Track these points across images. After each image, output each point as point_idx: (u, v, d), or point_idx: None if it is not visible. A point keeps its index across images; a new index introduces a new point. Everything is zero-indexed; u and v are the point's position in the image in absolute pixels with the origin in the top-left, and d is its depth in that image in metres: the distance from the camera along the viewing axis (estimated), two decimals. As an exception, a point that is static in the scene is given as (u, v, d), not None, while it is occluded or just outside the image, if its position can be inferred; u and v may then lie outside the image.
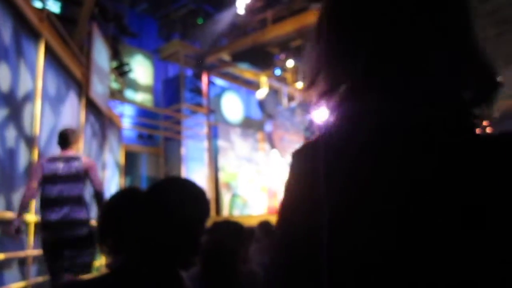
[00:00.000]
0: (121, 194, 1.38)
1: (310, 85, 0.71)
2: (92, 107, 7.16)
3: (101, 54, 7.59)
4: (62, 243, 3.64)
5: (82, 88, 6.65)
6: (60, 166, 3.74)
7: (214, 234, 2.47)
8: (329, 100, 0.69)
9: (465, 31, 0.65)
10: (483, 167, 0.58)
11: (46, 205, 3.68)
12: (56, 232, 3.63)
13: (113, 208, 1.30)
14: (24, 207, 3.63)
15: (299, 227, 0.65)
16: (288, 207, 0.69)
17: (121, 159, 9.77)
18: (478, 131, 0.66)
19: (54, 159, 3.79)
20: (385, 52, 0.64)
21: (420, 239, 0.56)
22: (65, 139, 3.90)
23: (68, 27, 6.36)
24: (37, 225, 4.23)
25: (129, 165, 11.16)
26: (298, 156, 0.70)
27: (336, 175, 0.62)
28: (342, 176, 0.62)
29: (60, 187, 3.69)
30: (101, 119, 7.88)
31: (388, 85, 0.65)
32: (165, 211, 1.22)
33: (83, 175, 3.79)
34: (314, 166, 0.64)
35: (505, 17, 14.71)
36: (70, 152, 3.86)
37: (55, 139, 4.06)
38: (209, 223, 2.70)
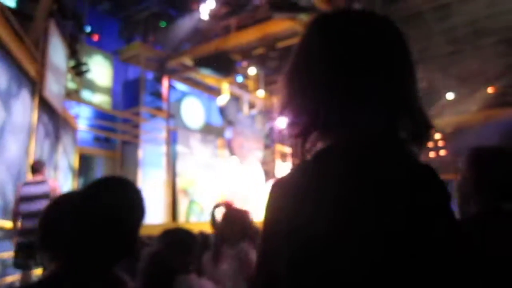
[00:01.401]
0: (56, 202, 1.32)
1: (280, 113, 0.86)
2: (46, 106, 6.90)
3: (57, 52, 7.36)
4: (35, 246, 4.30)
5: (36, 86, 6.41)
6: (32, 189, 4.95)
7: (159, 243, 2.42)
8: (293, 130, 0.83)
9: (406, 85, 0.83)
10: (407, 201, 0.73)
11: (25, 217, 4.85)
12: (33, 237, 4.41)
13: (47, 216, 1.24)
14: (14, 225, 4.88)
15: (268, 252, 0.77)
16: (263, 234, 0.79)
17: (75, 161, 9.47)
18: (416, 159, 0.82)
19: (28, 183, 5.07)
20: (339, 101, 0.78)
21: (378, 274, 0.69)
22: (34, 168, 5.21)
23: (24, 23, 6.12)
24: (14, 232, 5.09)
25: (84, 168, 10.83)
26: (274, 189, 0.80)
27: (307, 210, 0.73)
28: (313, 211, 0.73)
29: (36, 203, 4.77)
30: (55, 119, 7.61)
31: (343, 126, 0.79)
32: (95, 213, 1.17)
33: (50, 194, 4.87)
34: (284, 202, 0.76)
35: (460, 37, 15.38)
36: (39, 177, 5.11)
37: (6, 136, 4.79)
38: (160, 230, 2.64)
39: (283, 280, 0.71)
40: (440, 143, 18.32)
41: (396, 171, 0.76)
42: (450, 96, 17.23)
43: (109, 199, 1.21)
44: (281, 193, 0.78)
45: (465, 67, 16.55)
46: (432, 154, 18.24)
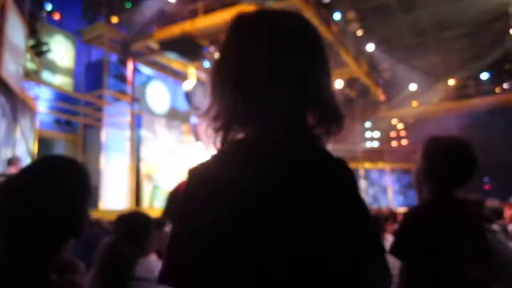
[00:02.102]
0: (2, 184, 1.27)
1: (206, 112, 0.92)
2: (2, 86, 6.62)
3: (15, 30, 7.05)
4: None
5: (-9, 65, 6.13)
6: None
7: (115, 231, 2.37)
8: (215, 124, 0.90)
9: (316, 79, 0.89)
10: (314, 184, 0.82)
11: None
12: None
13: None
14: None
15: (183, 232, 0.82)
16: (178, 215, 0.84)
17: (34, 145, 9.17)
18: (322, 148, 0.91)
19: (1, 175, 5.52)
20: (247, 98, 0.86)
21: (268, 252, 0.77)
22: (9, 161, 5.99)
23: (-21, -2, 5.83)
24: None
25: (44, 152, 10.50)
26: (190, 175, 0.86)
27: (216, 198, 0.80)
28: (221, 199, 0.79)
29: None
30: (13, 100, 7.32)
31: (251, 120, 0.87)
32: (33, 193, 1.13)
33: None
34: (197, 189, 0.83)
35: (424, 29, 15.72)
36: (12, 170, 5.68)
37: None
38: (114, 216, 2.58)
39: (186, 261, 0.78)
40: (402, 133, 18.80)
41: (301, 162, 0.84)
42: (413, 87, 17.64)
43: (47, 178, 1.16)
44: (195, 180, 0.85)
45: (428, 59, 16.96)
46: (394, 144, 18.71)
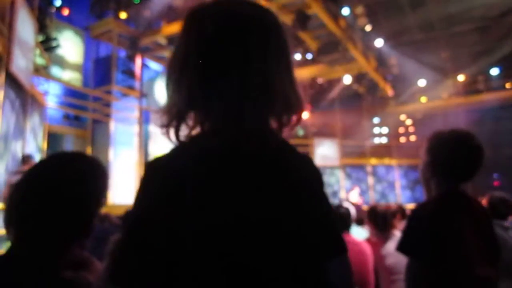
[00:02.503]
0: (20, 180, 1.26)
1: (167, 110, 0.90)
2: (12, 82, 6.67)
3: (25, 26, 7.09)
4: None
5: (2, 61, 6.17)
6: (17, 177, 5.94)
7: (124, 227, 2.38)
8: (167, 118, 0.89)
9: (277, 71, 0.87)
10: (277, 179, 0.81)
11: None
12: None
13: (9, 195, 1.19)
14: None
15: (137, 228, 0.80)
16: (134, 208, 0.82)
17: (43, 140, 9.24)
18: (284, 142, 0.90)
19: (17, 172, 6.08)
20: (199, 91, 0.85)
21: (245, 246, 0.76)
22: (22, 159, 6.57)
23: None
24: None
25: (53, 147, 10.58)
26: (148, 168, 0.84)
27: (169, 190, 0.78)
28: (174, 192, 0.78)
29: None
30: (23, 96, 7.38)
31: (205, 114, 0.87)
32: (50, 190, 1.13)
33: None
34: (156, 182, 0.81)
35: (433, 24, 15.59)
36: (26, 167, 5.62)
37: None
38: (123, 211, 2.59)
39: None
40: (411, 129, 18.69)
41: (256, 156, 0.82)
42: (421, 82, 17.51)
43: (59, 174, 1.16)
44: (150, 173, 0.83)
45: (437, 54, 16.83)
46: (402, 140, 18.61)
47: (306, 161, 0.91)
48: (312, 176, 0.90)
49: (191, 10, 0.94)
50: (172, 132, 0.90)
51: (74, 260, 1.26)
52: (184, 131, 0.89)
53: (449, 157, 1.72)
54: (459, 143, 1.72)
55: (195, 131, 0.89)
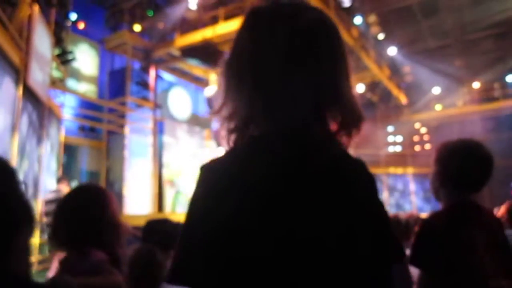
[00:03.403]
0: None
1: (218, 110, 0.90)
2: (30, 95, 6.79)
3: (42, 40, 7.23)
4: None
5: (20, 74, 6.30)
6: (49, 195, 6.74)
7: (146, 238, 2.39)
8: (230, 124, 0.87)
9: (334, 77, 0.85)
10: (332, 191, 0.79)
11: (45, 214, 6.49)
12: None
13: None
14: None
15: (195, 228, 0.79)
16: (190, 210, 0.81)
17: (60, 151, 9.35)
18: (342, 150, 0.87)
19: (51, 192, 6.95)
20: (264, 97, 0.82)
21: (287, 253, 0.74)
22: (58, 179, 7.36)
23: (7, 10, 6.00)
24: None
25: (69, 158, 10.71)
26: (203, 171, 0.83)
27: (228, 196, 0.77)
28: (237, 196, 0.77)
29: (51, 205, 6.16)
30: (40, 108, 7.50)
31: (268, 118, 0.83)
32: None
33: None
34: (210, 184, 0.80)
35: (447, 32, 15.49)
36: (61, 186, 6.81)
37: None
38: (143, 221, 2.61)
39: (199, 258, 0.76)
40: (426, 137, 18.52)
41: (317, 162, 0.80)
42: (436, 90, 17.37)
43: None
44: (207, 176, 0.82)
45: (451, 62, 16.69)
46: (417, 148, 18.44)
47: (362, 167, 0.87)
48: (367, 183, 0.86)
49: (251, 12, 0.91)
50: (230, 138, 0.88)
51: (91, 266, 1.46)
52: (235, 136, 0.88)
53: (458, 167, 1.69)
54: (468, 153, 1.70)
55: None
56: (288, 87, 0.82)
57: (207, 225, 0.77)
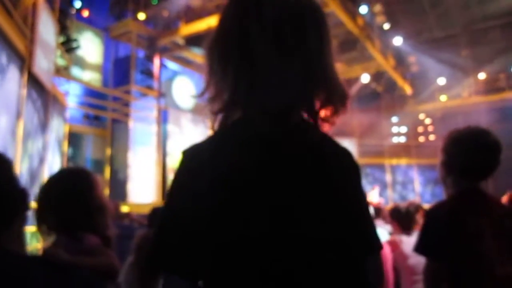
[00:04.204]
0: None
1: (202, 92, 0.88)
2: (34, 82, 6.80)
3: (47, 27, 7.22)
4: None
5: (24, 61, 6.30)
6: None
7: (151, 224, 2.42)
8: (214, 106, 0.85)
9: (320, 57, 0.84)
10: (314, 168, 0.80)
11: None
12: None
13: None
14: None
15: (176, 209, 0.81)
16: (170, 193, 0.83)
17: (64, 139, 9.39)
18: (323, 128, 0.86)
19: None
20: (249, 77, 0.80)
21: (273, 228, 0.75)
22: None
23: (12, -4, 5.98)
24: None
25: (73, 146, 10.75)
26: (185, 154, 0.84)
27: (208, 175, 0.77)
28: (213, 177, 0.77)
29: None
30: (44, 96, 7.52)
31: (252, 100, 0.82)
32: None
33: None
34: (193, 166, 0.81)
35: (453, 22, 15.36)
36: None
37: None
38: (147, 209, 2.64)
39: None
40: (430, 128, 18.45)
41: (298, 146, 0.81)
42: (441, 81, 17.27)
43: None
44: (185, 159, 0.83)
45: (457, 52, 16.57)
46: (421, 139, 18.39)
47: (346, 154, 0.88)
48: (351, 170, 0.87)
49: None
50: (215, 121, 0.86)
51: (87, 250, 1.48)
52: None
53: (464, 155, 1.68)
54: (475, 140, 1.69)
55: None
56: (275, 69, 0.80)
57: (181, 206, 0.79)
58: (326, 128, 0.87)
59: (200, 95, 0.88)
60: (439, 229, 1.60)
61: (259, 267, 0.74)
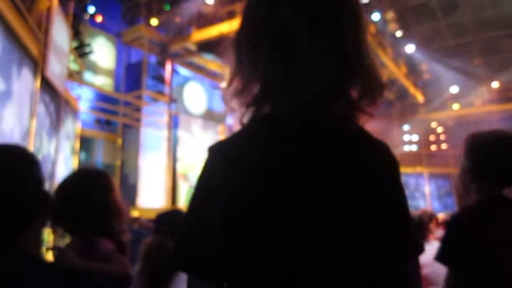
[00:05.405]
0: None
1: (228, 84, 0.82)
2: (47, 86, 6.85)
3: (60, 32, 7.28)
4: None
5: (38, 65, 6.35)
6: None
7: (158, 229, 2.40)
8: (241, 99, 0.80)
9: (355, 44, 0.77)
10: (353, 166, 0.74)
11: None
12: None
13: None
14: None
15: (204, 208, 0.75)
16: (197, 192, 0.78)
17: (76, 143, 9.45)
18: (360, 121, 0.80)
19: None
20: (283, 66, 0.75)
21: (299, 232, 0.69)
22: None
23: (26, 1, 6.04)
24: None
25: (84, 150, 10.81)
26: (213, 151, 0.79)
27: (238, 172, 0.73)
28: (243, 174, 0.73)
29: None
30: (57, 100, 7.57)
31: (285, 92, 0.76)
32: None
33: None
34: (223, 162, 0.75)
35: (466, 30, 15.25)
36: None
37: (7, 114, 4.50)
38: (154, 214, 2.62)
39: (216, 235, 0.72)
40: (442, 137, 18.27)
41: (335, 140, 0.76)
42: (454, 89, 17.12)
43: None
44: (212, 156, 0.78)
45: (470, 60, 16.43)
46: (433, 148, 18.21)
47: (384, 149, 0.81)
48: (390, 167, 0.79)
49: None
50: (243, 115, 0.80)
51: (102, 256, 1.45)
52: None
53: (492, 160, 1.60)
54: (502, 144, 1.61)
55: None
56: (310, 57, 0.74)
57: (208, 204, 0.74)
58: (364, 120, 0.81)
59: (227, 87, 0.82)
60: (463, 238, 1.53)
61: (292, 267, 0.69)
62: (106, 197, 1.60)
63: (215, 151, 0.79)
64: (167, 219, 2.42)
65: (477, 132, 1.70)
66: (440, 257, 1.56)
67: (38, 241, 1.10)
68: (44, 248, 1.22)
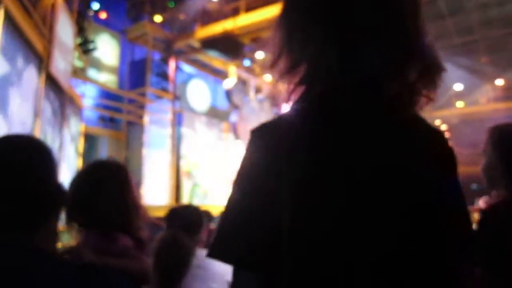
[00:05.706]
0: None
1: (273, 64, 0.77)
2: (52, 83, 6.83)
3: (65, 28, 7.26)
4: None
5: (42, 62, 6.33)
6: None
7: (171, 224, 2.39)
8: (289, 79, 0.75)
9: (413, 23, 0.73)
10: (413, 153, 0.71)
11: None
12: None
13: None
14: None
15: (258, 192, 0.69)
16: (246, 176, 0.72)
17: (80, 140, 9.43)
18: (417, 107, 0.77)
19: None
20: (341, 40, 0.71)
21: (364, 215, 0.65)
22: None
23: (31, -3, 6.01)
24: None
25: (89, 148, 10.79)
26: (258, 133, 0.73)
27: (296, 152, 0.68)
28: (303, 154, 0.68)
29: None
30: (61, 97, 7.55)
31: (340, 70, 0.71)
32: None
33: None
34: (273, 143, 0.69)
35: (471, 28, 15.16)
36: None
37: (12, 110, 4.48)
38: (165, 212, 2.59)
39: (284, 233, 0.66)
40: (446, 135, 18.15)
41: (386, 123, 0.72)
42: (458, 87, 17.04)
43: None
44: (263, 135, 0.72)
45: (475, 58, 16.35)
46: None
47: (440, 137, 0.78)
48: (445, 157, 0.76)
49: None
50: (291, 95, 0.75)
51: (120, 248, 1.41)
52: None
53: None
54: None
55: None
56: (371, 32, 0.71)
57: (255, 189, 0.69)
58: (423, 104, 0.78)
59: (272, 67, 0.77)
60: (492, 234, 1.46)
61: (349, 257, 0.65)
62: (125, 191, 1.54)
63: (262, 133, 0.74)
64: (181, 215, 2.40)
65: (501, 124, 1.63)
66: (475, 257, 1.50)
67: (53, 235, 1.07)
68: (59, 245, 1.19)
